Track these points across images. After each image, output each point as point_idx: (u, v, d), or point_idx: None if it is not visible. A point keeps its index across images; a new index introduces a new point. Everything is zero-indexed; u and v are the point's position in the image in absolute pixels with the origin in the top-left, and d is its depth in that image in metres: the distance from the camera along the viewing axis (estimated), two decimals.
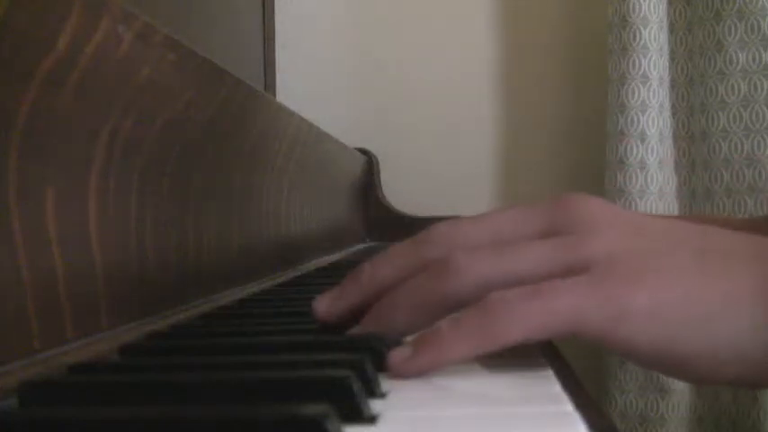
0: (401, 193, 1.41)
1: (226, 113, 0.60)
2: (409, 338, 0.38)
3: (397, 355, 0.36)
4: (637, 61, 1.23)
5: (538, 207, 0.41)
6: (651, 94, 1.23)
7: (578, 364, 0.41)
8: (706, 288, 0.36)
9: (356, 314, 0.42)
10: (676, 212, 1.29)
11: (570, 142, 1.42)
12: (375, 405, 0.30)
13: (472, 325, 0.35)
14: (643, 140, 1.23)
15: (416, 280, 0.39)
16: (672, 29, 1.29)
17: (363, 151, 1.40)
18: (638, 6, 1.22)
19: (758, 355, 0.35)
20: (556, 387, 0.33)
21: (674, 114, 1.29)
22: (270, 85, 1.22)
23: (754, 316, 0.35)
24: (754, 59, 1.20)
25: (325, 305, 0.42)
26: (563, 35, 1.42)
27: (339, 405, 0.26)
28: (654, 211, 1.24)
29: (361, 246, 1.32)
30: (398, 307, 0.39)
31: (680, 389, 1.24)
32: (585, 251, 0.37)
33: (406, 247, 0.42)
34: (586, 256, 0.37)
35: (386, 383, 0.34)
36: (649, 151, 1.23)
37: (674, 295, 0.35)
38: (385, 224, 1.39)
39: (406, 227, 1.29)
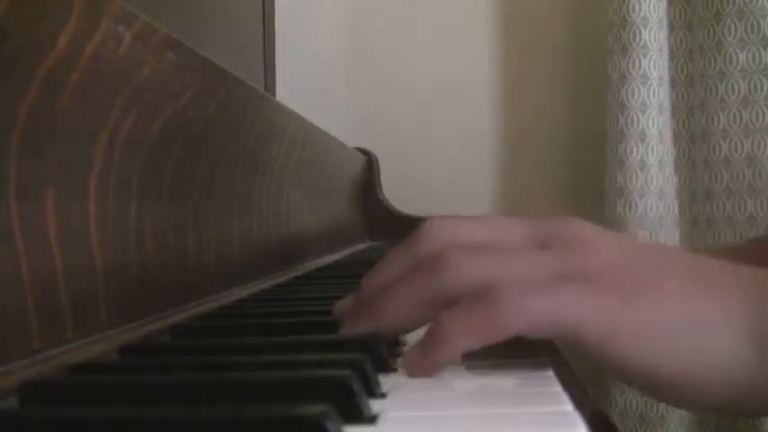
0: (401, 193, 1.41)
1: (226, 113, 0.60)
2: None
3: (409, 357, 0.36)
4: (637, 61, 1.23)
5: (537, 220, 0.41)
6: (651, 94, 1.23)
7: (578, 364, 0.42)
8: (699, 310, 0.37)
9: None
10: (677, 212, 1.29)
11: (570, 142, 1.42)
12: (375, 405, 0.30)
13: (477, 317, 0.35)
14: (643, 140, 1.23)
15: (414, 275, 0.39)
16: (672, 29, 1.29)
17: (363, 151, 1.40)
18: (638, 6, 1.22)
19: (744, 380, 0.36)
20: (556, 387, 0.33)
21: (674, 114, 1.29)
22: (270, 85, 1.22)
23: (740, 338, 0.36)
24: (754, 59, 1.20)
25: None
26: (563, 35, 1.42)
27: (339, 405, 0.26)
28: (653, 211, 1.24)
29: (361, 245, 1.32)
30: (396, 302, 0.39)
31: None
32: (586, 264, 0.37)
33: (404, 249, 0.42)
34: (587, 269, 0.37)
35: (386, 383, 0.34)
36: (649, 151, 1.23)
37: (671, 316, 0.36)
38: (385, 224, 1.39)
39: (406, 227, 1.29)
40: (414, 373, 0.36)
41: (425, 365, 0.36)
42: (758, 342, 0.36)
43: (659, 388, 0.37)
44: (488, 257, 0.38)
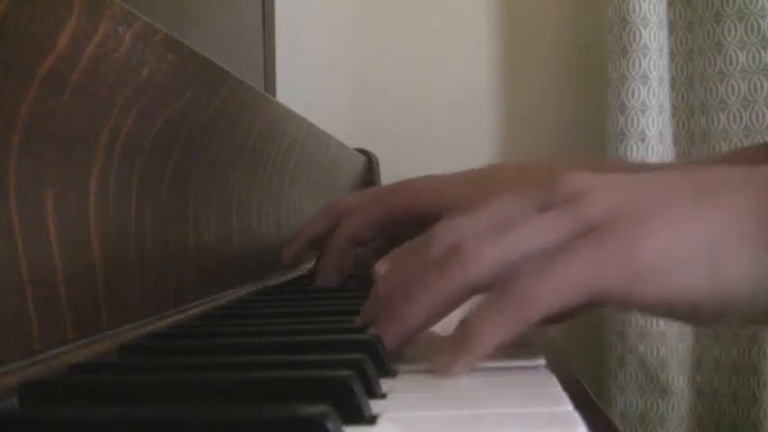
0: None
1: (226, 113, 0.60)
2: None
3: (438, 363, 0.37)
4: (637, 61, 1.23)
5: (528, 189, 0.42)
6: (651, 94, 1.23)
7: (578, 364, 0.42)
8: (710, 227, 0.36)
9: None
10: None
11: (570, 142, 1.42)
12: (375, 405, 0.30)
13: (495, 316, 0.36)
14: (643, 140, 1.23)
15: (430, 271, 0.39)
16: (672, 29, 1.28)
17: (363, 151, 1.40)
18: (638, 7, 1.22)
19: (762, 292, 0.36)
20: (556, 387, 0.33)
21: (674, 114, 1.29)
22: (270, 85, 1.21)
23: (754, 248, 0.36)
24: (753, 59, 1.20)
25: None
26: (563, 36, 1.42)
27: (339, 405, 0.26)
28: None
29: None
30: (414, 301, 0.39)
31: (680, 389, 1.24)
32: (586, 212, 0.37)
33: (409, 252, 0.42)
34: (588, 217, 0.37)
35: (386, 384, 0.34)
36: (649, 151, 1.23)
37: (683, 237, 0.36)
38: None
39: None
40: (443, 375, 0.36)
41: (455, 369, 0.36)
42: None
43: (682, 314, 0.38)
44: (497, 240, 0.38)
